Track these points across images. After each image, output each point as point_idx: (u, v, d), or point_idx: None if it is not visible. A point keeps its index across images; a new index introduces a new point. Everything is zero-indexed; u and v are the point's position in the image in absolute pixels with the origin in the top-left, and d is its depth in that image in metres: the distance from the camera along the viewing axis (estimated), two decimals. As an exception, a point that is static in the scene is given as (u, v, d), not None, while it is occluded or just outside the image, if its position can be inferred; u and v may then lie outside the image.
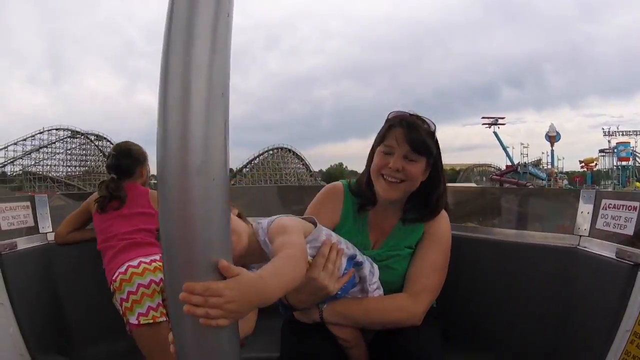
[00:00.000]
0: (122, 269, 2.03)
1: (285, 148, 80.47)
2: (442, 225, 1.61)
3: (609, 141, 60.06)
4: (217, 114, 0.75)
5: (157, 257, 2.07)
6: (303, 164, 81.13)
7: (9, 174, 64.22)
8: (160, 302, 2.01)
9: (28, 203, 2.18)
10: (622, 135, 60.11)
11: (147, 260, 2.05)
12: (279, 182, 72.20)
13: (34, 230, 2.18)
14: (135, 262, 2.04)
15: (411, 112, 1.59)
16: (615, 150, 57.26)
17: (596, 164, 60.30)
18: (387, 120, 1.60)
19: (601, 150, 61.54)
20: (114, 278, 2.04)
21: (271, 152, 78.66)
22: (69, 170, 70.87)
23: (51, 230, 2.25)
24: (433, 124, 1.59)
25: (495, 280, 1.89)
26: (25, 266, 2.02)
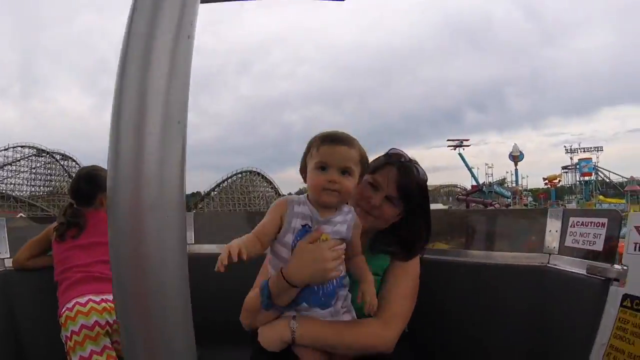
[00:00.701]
0: (70, 305, 1.91)
1: (254, 171, 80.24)
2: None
3: (571, 158, 62.69)
4: (173, 143, 0.68)
5: (111, 296, 1.95)
6: (272, 187, 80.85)
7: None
8: (108, 344, 1.89)
9: None
10: (584, 152, 62.84)
11: (98, 299, 1.92)
12: (248, 206, 71.67)
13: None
14: (83, 300, 1.91)
15: (410, 158, 1.60)
16: (578, 167, 59.48)
17: (559, 181, 62.53)
18: (386, 156, 1.61)
19: (564, 167, 63.99)
20: (60, 313, 1.93)
21: (240, 175, 78.26)
22: (33, 190, 68.71)
23: (9, 256, 2.11)
24: (425, 174, 1.61)
25: (467, 302, 1.88)
26: None
